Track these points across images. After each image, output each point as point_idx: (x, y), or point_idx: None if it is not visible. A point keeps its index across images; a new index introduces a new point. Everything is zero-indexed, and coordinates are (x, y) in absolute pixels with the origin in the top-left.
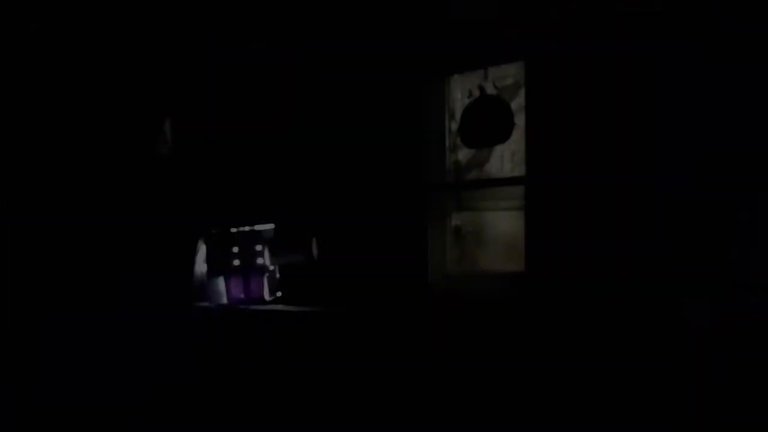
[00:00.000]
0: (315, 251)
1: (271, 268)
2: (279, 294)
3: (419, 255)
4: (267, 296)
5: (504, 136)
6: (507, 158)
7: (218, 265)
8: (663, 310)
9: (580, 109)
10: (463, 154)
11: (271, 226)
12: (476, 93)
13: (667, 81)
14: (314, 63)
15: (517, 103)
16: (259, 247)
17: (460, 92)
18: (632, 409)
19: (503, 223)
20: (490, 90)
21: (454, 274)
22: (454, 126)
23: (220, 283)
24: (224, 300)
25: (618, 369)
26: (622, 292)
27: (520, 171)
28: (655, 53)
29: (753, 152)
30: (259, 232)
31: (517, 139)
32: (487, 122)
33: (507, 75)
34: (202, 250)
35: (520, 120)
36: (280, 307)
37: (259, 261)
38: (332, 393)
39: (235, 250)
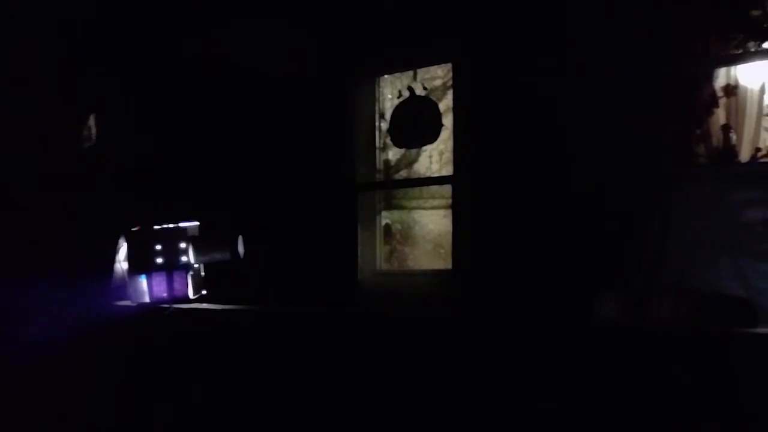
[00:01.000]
0: (241, 249)
1: (196, 265)
2: (204, 292)
3: (349, 253)
4: (191, 294)
5: (433, 136)
6: (435, 158)
7: (140, 262)
8: (576, 308)
9: (505, 110)
10: (393, 154)
11: (196, 223)
12: (406, 93)
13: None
14: (246, 60)
15: (446, 104)
16: (183, 245)
17: (390, 92)
18: (541, 404)
19: (432, 222)
20: (419, 91)
21: (383, 272)
22: (384, 126)
23: (142, 281)
24: (146, 299)
25: (538, 365)
26: (541, 290)
27: (448, 171)
28: (567, 56)
29: (660, 157)
30: (184, 229)
31: (445, 140)
32: (416, 122)
33: (436, 76)
34: (123, 247)
35: (448, 121)
36: (204, 305)
37: (183, 259)
38: (257, 394)
39: (158, 247)
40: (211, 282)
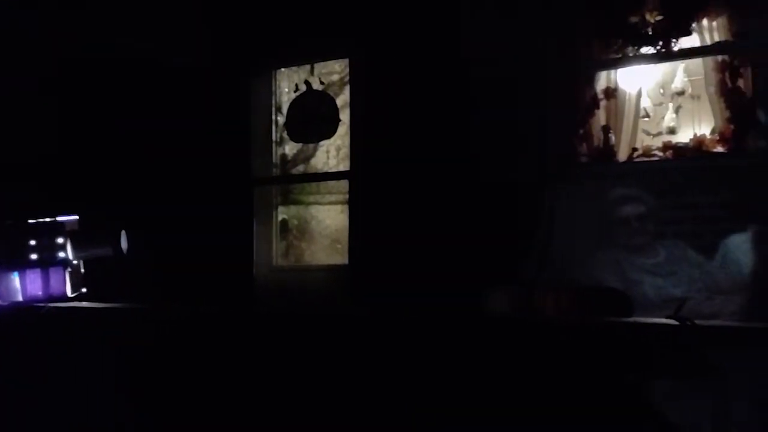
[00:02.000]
0: (124, 244)
1: (75, 262)
2: (84, 290)
3: (244, 249)
4: (69, 293)
5: (330, 131)
6: (333, 153)
7: (12, 258)
8: (470, 300)
9: (402, 106)
10: (290, 148)
11: (75, 217)
12: (303, 87)
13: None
14: (136, 50)
15: (343, 99)
16: (60, 240)
17: (287, 86)
18: (438, 393)
19: (329, 217)
20: (316, 85)
21: (280, 268)
22: (281, 120)
23: (14, 278)
24: (19, 297)
25: (433, 356)
26: (436, 283)
27: (345, 166)
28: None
29: (546, 156)
30: (62, 223)
31: (342, 135)
32: (313, 117)
33: (333, 71)
34: None
35: (346, 116)
36: (84, 304)
37: (61, 255)
38: (144, 396)
39: (33, 242)
40: (92, 280)
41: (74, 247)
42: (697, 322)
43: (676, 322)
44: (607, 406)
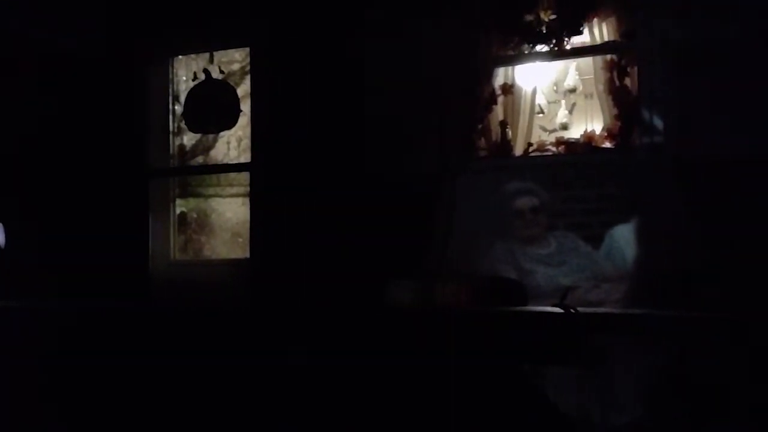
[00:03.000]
0: (1, 238)
1: None
2: None
3: (139, 243)
4: None
5: (230, 121)
6: (234, 144)
7: None
8: (372, 292)
9: (303, 97)
10: (188, 139)
11: None
12: (202, 76)
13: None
14: (20, 34)
15: (244, 89)
16: None
17: (185, 74)
18: (340, 386)
19: (229, 210)
20: (216, 74)
21: (178, 262)
22: (179, 109)
23: None
24: None
25: (335, 347)
26: (338, 276)
27: (246, 158)
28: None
29: (446, 150)
30: None
31: (243, 126)
32: (212, 107)
33: (234, 60)
34: None
35: (247, 106)
36: None
37: None
38: (29, 400)
39: None
40: None
41: None
42: (580, 309)
43: (560, 310)
44: (500, 392)
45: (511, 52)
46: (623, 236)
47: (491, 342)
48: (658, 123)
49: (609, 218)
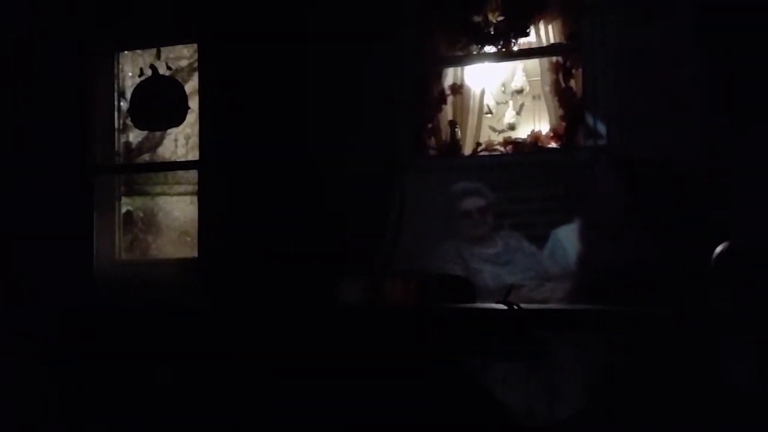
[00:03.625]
0: None
1: None
2: None
3: (83, 242)
4: None
5: (178, 119)
6: (181, 142)
7: None
8: (322, 291)
9: (252, 94)
10: (134, 136)
11: None
12: (148, 72)
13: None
14: None
15: (192, 85)
16: None
17: (131, 70)
18: (291, 384)
19: (177, 209)
20: (163, 70)
21: (124, 262)
22: (125, 105)
23: None
24: None
25: (286, 345)
26: (288, 275)
27: (194, 155)
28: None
29: (397, 148)
30: None
31: (192, 123)
32: (159, 104)
33: (181, 56)
34: None
35: (195, 103)
36: None
37: None
38: None
39: None
40: None
41: None
42: (522, 305)
43: (504, 307)
44: (446, 387)
45: (459, 53)
46: (566, 235)
47: (437, 338)
48: (601, 124)
49: (553, 218)
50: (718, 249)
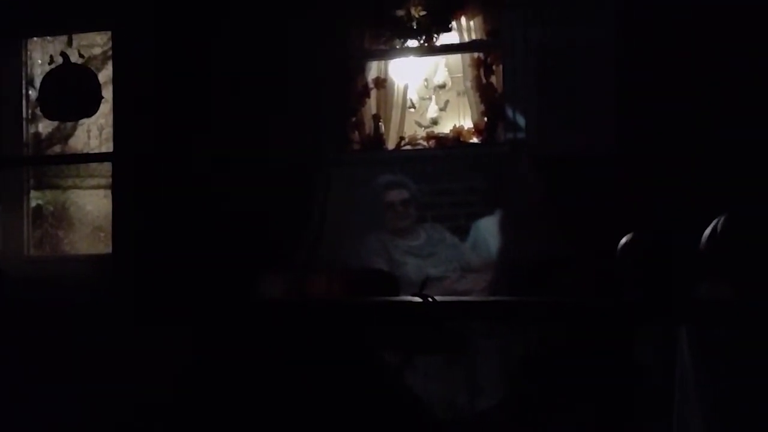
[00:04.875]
0: None
1: None
2: None
3: None
4: None
5: (90, 109)
6: (95, 133)
7: None
8: (243, 286)
9: (169, 85)
10: (44, 126)
11: None
12: (59, 60)
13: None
14: None
15: (106, 74)
16: None
17: (41, 57)
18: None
19: (90, 203)
20: (74, 58)
21: (33, 258)
22: (34, 94)
23: None
24: None
25: (205, 342)
26: (209, 271)
27: (108, 147)
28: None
29: (321, 142)
30: None
31: (105, 113)
32: (71, 93)
33: (94, 44)
34: None
35: (109, 93)
36: None
37: None
38: None
39: None
40: None
41: None
42: (437, 298)
43: (419, 299)
44: (365, 380)
45: (382, 47)
46: (488, 228)
47: (357, 332)
48: (520, 120)
49: (474, 210)
50: (623, 240)
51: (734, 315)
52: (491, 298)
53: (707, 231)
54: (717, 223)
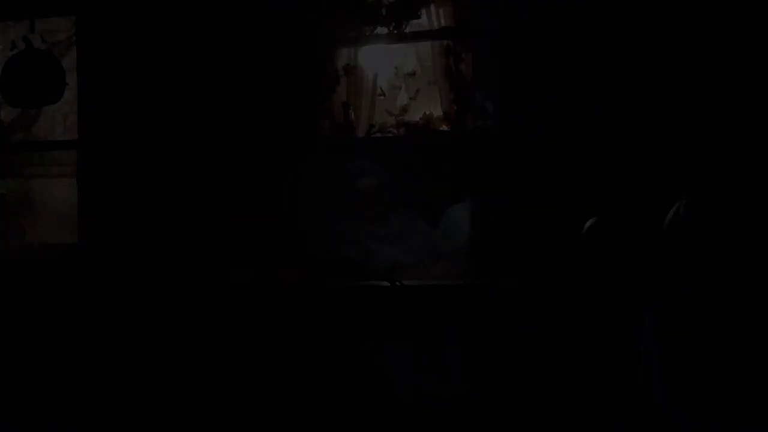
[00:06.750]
0: None
1: None
2: None
3: None
4: None
5: (54, 96)
6: (59, 120)
7: None
8: (210, 273)
9: (135, 71)
10: (6, 114)
11: None
12: (21, 45)
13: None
14: None
15: (71, 60)
16: None
17: (2, 43)
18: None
19: (56, 191)
20: (37, 44)
21: None
22: None
23: None
24: None
25: (176, 331)
26: (177, 259)
27: (72, 135)
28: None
29: (290, 130)
30: None
31: (70, 100)
32: (34, 79)
33: (58, 29)
34: None
35: (73, 79)
36: None
37: None
38: None
39: None
40: None
41: None
42: (405, 282)
43: (387, 283)
44: (335, 365)
45: (352, 33)
46: (458, 214)
47: (327, 317)
48: (489, 107)
49: (445, 197)
50: (587, 224)
51: (696, 297)
52: (457, 282)
53: (669, 214)
54: (679, 207)
